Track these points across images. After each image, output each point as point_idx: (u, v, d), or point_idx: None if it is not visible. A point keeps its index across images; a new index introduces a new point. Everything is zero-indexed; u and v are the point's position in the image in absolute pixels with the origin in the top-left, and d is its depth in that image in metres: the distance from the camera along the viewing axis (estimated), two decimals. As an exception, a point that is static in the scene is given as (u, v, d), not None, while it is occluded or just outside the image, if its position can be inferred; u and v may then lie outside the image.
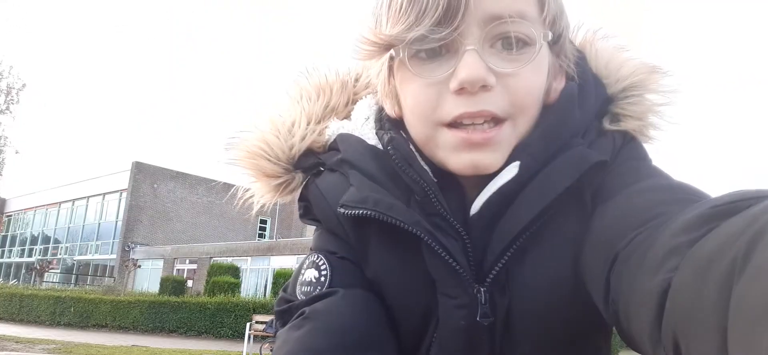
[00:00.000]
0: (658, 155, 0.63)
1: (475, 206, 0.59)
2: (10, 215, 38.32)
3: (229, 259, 22.58)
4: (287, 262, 21.50)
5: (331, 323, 0.55)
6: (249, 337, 11.09)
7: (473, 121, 0.57)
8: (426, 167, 0.61)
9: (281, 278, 17.98)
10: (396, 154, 0.61)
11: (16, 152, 25.22)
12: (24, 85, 23.57)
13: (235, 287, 18.37)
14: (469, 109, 0.56)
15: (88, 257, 30.94)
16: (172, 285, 19.59)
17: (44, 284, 27.26)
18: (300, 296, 0.62)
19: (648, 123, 0.64)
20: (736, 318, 0.28)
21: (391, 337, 0.60)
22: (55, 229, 34.08)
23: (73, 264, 31.74)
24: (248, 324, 11.38)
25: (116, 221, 29.15)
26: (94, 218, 31.27)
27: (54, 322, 19.26)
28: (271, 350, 10.74)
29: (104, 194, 30.69)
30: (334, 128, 0.70)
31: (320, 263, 0.63)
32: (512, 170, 0.58)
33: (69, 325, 18.81)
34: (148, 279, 26.25)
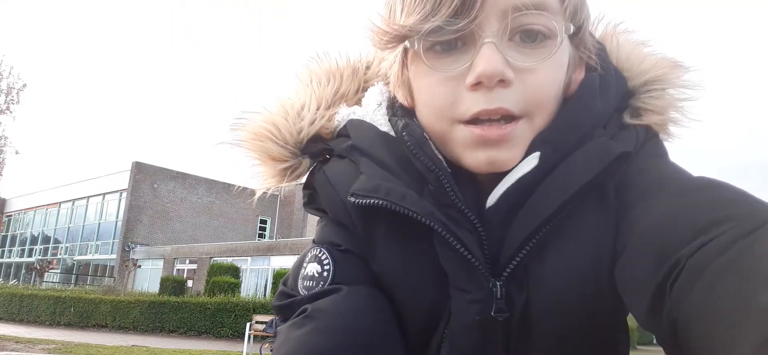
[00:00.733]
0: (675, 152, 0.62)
1: (492, 198, 0.57)
2: (10, 215, 38.28)
3: (229, 259, 22.57)
4: (287, 262, 21.48)
5: (334, 323, 0.53)
6: (249, 337, 11.08)
7: (489, 117, 0.55)
8: (440, 156, 0.59)
9: (281, 278, 17.87)
10: (410, 140, 0.59)
11: (16, 152, 25.10)
12: (24, 85, 23.51)
13: (235, 287, 18.37)
14: (486, 107, 0.54)
15: (88, 257, 30.91)
16: (172, 285, 19.58)
17: (44, 284, 27.23)
18: (302, 291, 0.60)
19: (669, 119, 0.62)
20: None
21: (398, 336, 0.57)
22: (55, 229, 34.06)
23: (73, 264, 31.72)
24: (248, 324, 11.37)
25: (116, 221, 29.13)
26: (94, 218, 31.24)
27: (54, 322, 19.24)
28: (271, 350, 10.69)
29: (104, 194, 30.66)
30: (345, 114, 0.68)
31: (323, 257, 0.60)
32: (532, 161, 0.56)
33: (69, 325, 18.79)
34: (148, 279, 26.23)
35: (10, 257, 37.13)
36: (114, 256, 28.45)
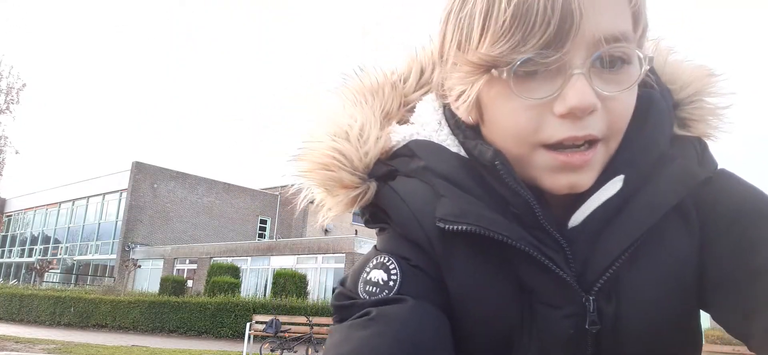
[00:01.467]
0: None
1: (577, 218, 0.59)
2: (10, 215, 38.31)
3: (229, 259, 22.59)
4: (287, 262, 21.50)
5: (400, 332, 0.53)
6: (249, 337, 11.09)
7: (574, 143, 0.55)
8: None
9: (281, 278, 17.99)
10: (503, 169, 0.58)
11: (16, 152, 25.18)
12: (24, 85, 23.55)
13: (235, 287, 18.38)
14: (574, 134, 0.54)
15: (88, 257, 30.94)
16: (172, 285, 19.59)
17: (44, 284, 27.26)
18: (362, 295, 0.59)
19: (711, 126, 0.65)
20: None
21: None
22: (55, 229, 34.09)
23: (73, 264, 31.74)
24: (248, 324, 11.38)
25: (116, 221, 29.14)
26: (94, 218, 31.27)
27: (54, 322, 19.26)
28: (271, 350, 10.79)
29: (104, 194, 30.68)
30: (404, 133, 0.67)
31: (390, 266, 0.60)
32: (616, 184, 0.58)
33: (69, 325, 18.81)
34: (148, 279, 26.25)
35: (10, 257, 37.15)
36: (114, 256, 28.46)
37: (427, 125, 0.66)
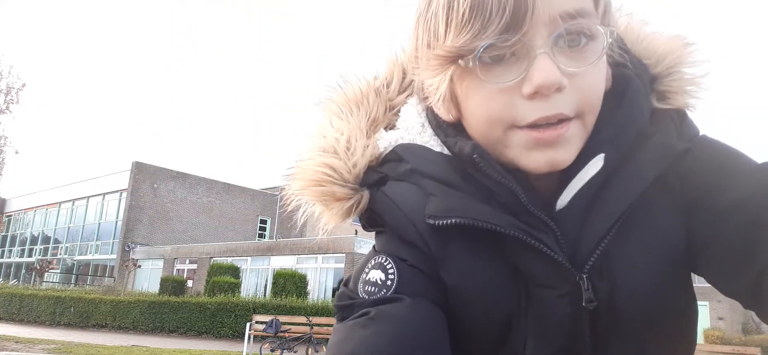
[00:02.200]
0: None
1: (563, 200, 0.60)
2: (10, 215, 38.31)
3: (229, 259, 22.60)
4: (287, 262, 21.49)
5: (398, 330, 0.55)
6: (249, 337, 11.09)
7: (547, 122, 0.57)
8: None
9: (281, 278, 17.99)
10: (482, 161, 0.60)
11: (16, 152, 25.21)
12: (24, 85, 23.54)
13: (235, 287, 18.38)
14: (545, 114, 0.56)
15: (88, 257, 30.95)
16: (172, 285, 19.59)
17: (44, 284, 27.26)
18: (362, 295, 0.61)
19: (689, 96, 0.66)
20: None
21: (449, 352, 0.59)
22: (55, 229, 34.10)
23: (73, 264, 31.75)
24: (248, 324, 11.38)
25: (116, 221, 29.16)
26: (94, 218, 31.28)
27: (54, 322, 19.26)
28: (271, 350, 10.80)
29: (104, 194, 30.70)
30: (390, 139, 0.69)
31: (388, 266, 0.62)
32: (598, 163, 0.59)
33: (69, 325, 18.81)
34: (148, 279, 26.26)
35: (10, 257, 37.16)
36: (114, 256, 28.48)
37: (412, 129, 0.69)
